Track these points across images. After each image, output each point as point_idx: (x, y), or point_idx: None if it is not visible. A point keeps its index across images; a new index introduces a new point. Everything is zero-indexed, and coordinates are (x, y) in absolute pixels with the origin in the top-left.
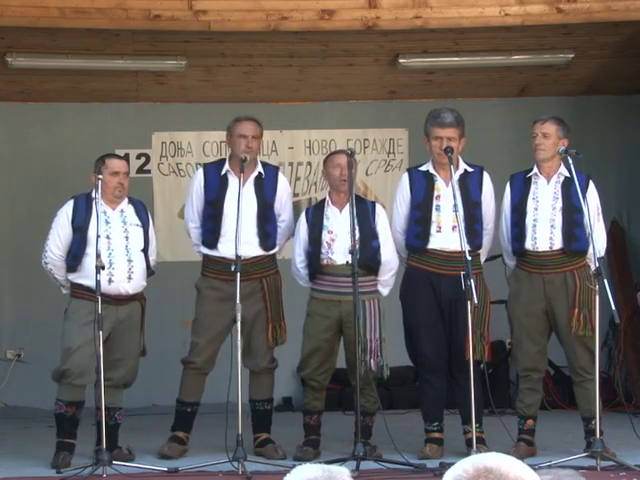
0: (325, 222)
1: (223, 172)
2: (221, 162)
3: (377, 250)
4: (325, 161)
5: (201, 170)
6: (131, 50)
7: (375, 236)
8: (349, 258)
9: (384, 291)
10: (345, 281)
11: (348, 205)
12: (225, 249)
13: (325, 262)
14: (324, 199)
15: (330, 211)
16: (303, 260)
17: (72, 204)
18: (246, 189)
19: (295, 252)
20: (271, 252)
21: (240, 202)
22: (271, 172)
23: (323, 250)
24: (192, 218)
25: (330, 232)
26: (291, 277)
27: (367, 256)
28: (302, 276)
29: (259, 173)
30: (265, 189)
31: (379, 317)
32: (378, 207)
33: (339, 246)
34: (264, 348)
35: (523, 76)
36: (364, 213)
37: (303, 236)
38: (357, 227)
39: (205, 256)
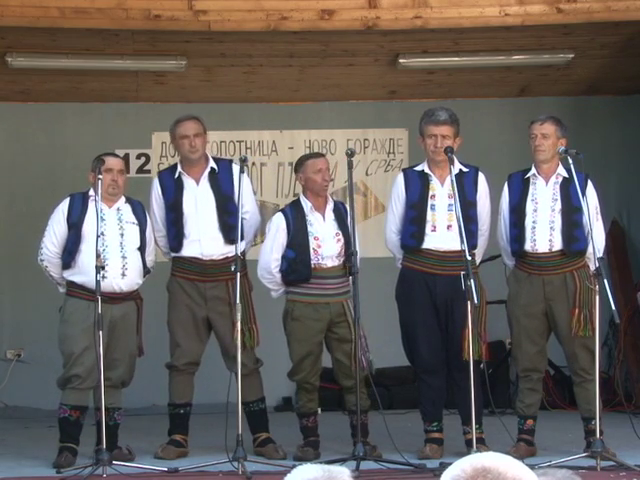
0: (309, 228)
1: (177, 175)
2: (174, 167)
3: None
4: (301, 165)
5: (156, 179)
6: (131, 50)
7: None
8: (337, 261)
9: None
10: (332, 283)
11: (328, 209)
12: (188, 251)
13: (313, 266)
14: (298, 201)
15: (313, 217)
16: (279, 265)
17: (68, 201)
18: (201, 187)
19: (271, 256)
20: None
21: (240, 200)
22: (224, 165)
23: (311, 255)
24: (158, 227)
25: (316, 238)
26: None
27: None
28: (277, 280)
29: (212, 168)
30: (221, 182)
31: (359, 315)
32: (348, 207)
33: (327, 251)
34: (245, 351)
35: (523, 76)
36: (341, 215)
37: (282, 241)
38: (341, 231)
39: (174, 257)
